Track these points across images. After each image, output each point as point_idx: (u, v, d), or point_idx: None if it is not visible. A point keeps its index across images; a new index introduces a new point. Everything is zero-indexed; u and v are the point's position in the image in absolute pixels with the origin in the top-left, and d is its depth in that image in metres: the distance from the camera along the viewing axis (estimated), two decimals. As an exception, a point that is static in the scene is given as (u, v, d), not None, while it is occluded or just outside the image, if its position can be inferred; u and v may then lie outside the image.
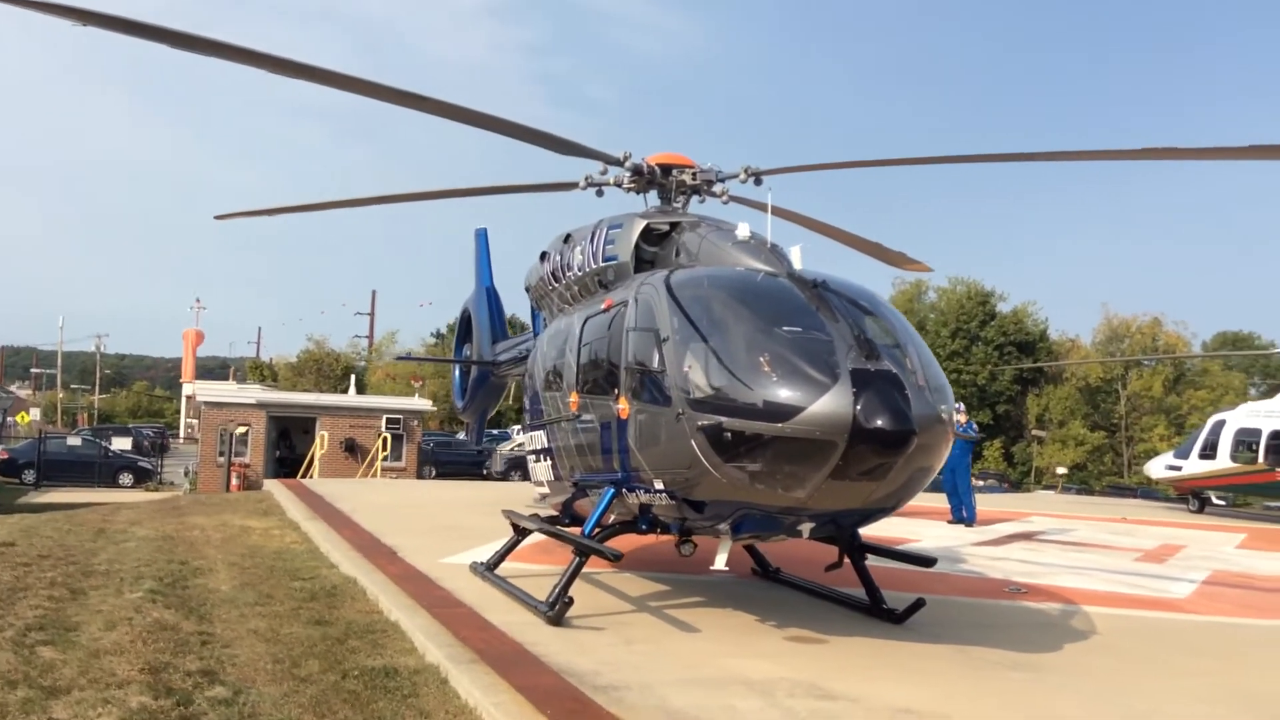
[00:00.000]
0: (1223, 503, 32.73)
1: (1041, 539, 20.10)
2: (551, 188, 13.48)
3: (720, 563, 9.89)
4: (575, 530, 10.96)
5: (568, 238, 13.03)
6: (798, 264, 10.12)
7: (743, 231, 10.62)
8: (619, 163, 12.13)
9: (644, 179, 12.34)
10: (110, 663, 8.26)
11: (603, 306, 11.06)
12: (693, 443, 8.87)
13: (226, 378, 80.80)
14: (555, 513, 12.99)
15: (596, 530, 10.48)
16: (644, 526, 10.58)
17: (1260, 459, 26.94)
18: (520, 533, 12.63)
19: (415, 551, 14.05)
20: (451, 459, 47.62)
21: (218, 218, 15.56)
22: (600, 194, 13.02)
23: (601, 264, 11.92)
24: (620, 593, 11.77)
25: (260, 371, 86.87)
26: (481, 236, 21.36)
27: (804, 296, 9.33)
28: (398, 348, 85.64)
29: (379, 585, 11.64)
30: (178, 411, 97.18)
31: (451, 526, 17.47)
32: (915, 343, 9.32)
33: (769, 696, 7.89)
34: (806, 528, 9.53)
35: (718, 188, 12.67)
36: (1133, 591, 13.94)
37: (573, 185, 13.08)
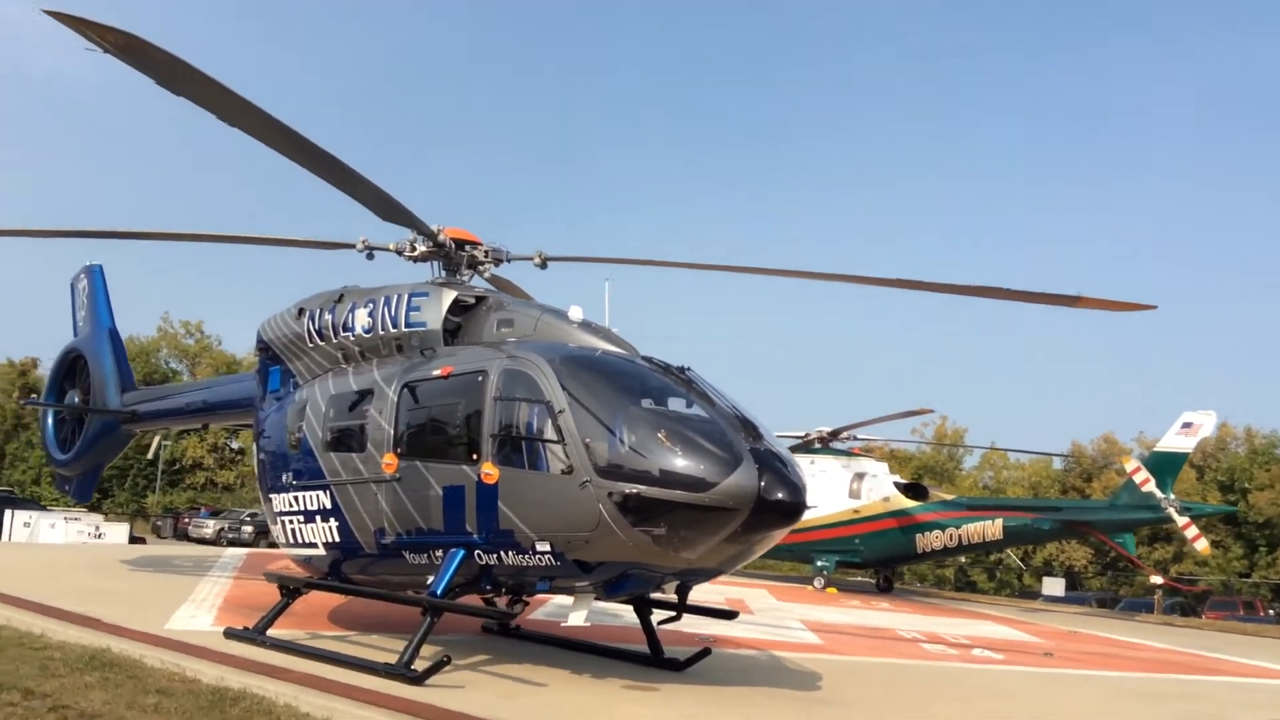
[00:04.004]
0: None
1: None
2: (325, 245, 13.37)
3: (579, 619, 10.66)
4: (418, 592, 11.09)
5: (340, 297, 12.96)
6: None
7: (576, 314, 11.65)
8: (433, 234, 12.51)
9: (441, 251, 12.80)
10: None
11: (438, 373, 11.35)
12: (600, 507, 9.70)
13: None
14: (312, 575, 12.78)
15: (446, 592, 10.72)
16: (487, 586, 11.06)
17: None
18: (290, 593, 12.30)
19: (126, 620, 12.79)
20: None
21: None
22: (371, 258, 13.27)
23: (405, 329, 12.14)
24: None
25: None
26: (97, 274, 19.50)
27: (675, 380, 10.63)
28: None
29: (157, 655, 10.68)
30: None
31: (93, 590, 15.81)
32: (763, 422, 10.93)
33: (699, 736, 8.94)
34: (671, 585, 10.73)
35: (487, 267, 13.39)
36: (783, 638, 16.51)
37: (349, 246, 13.17)
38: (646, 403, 10.29)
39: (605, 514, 9.70)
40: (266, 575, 12.65)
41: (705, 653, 12.29)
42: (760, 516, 9.63)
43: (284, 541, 13.07)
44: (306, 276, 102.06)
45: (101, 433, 18.34)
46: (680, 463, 9.63)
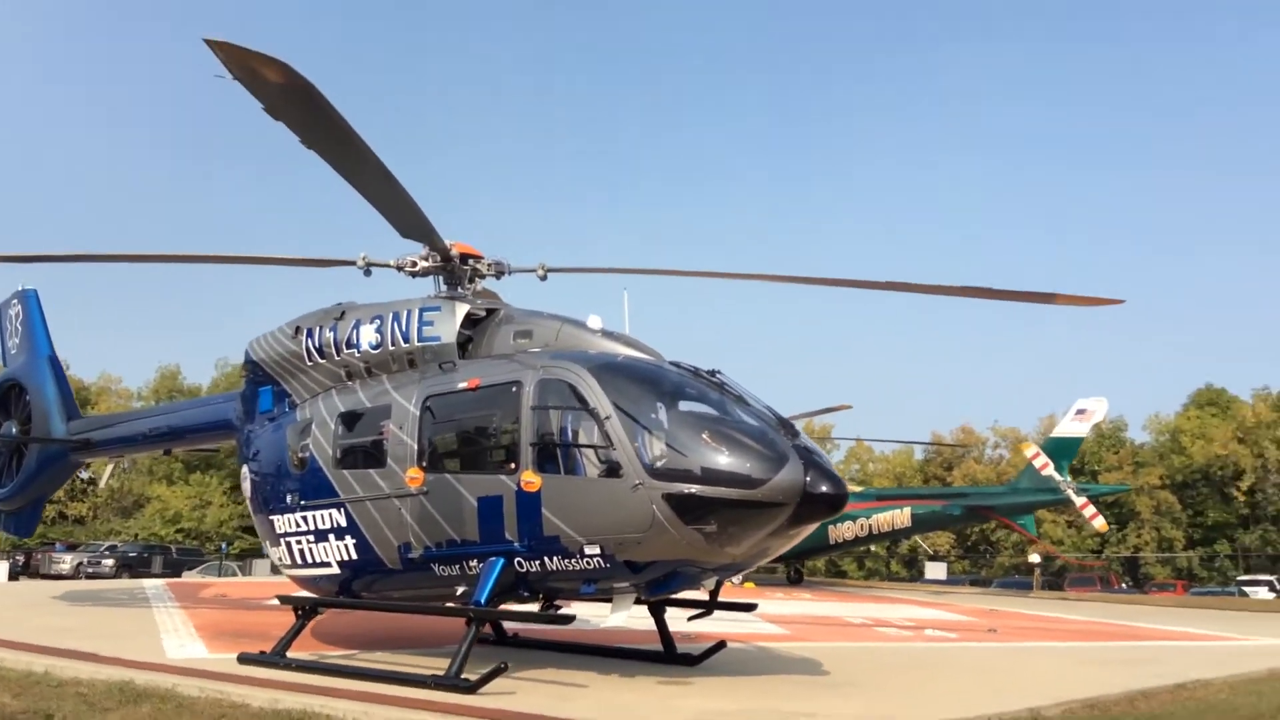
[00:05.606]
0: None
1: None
2: (323, 263, 13.29)
3: (619, 620, 10.98)
4: (465, 604, 11.16)
5: (342, 314, 12.89)
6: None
7: (596, 323, 11.96)
8: (445, 250, 12.57)
9: (446, 266, 12.87)
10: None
11: (465, 385, 11.48)
12: (654, 508, 10.06)
13: None
14: (322, 595, 12.68)
15: (489, 600, 10.87)
16: (524, 593, 11.25)
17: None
18: (307, 614, 12.23)
19: (121, 652, 12.42)
20: None
21: None
22: (368, 274, 13.27)
23: (418, 344, 12.18)
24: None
25: None
26: (31, 298, 18.74)
27: (708, 383, 11.05)
28: None
29: (191, 683, 10.44)
30: None
31: (53, 628, 15.27)
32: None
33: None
34: (711, 581, 11.15)
35: (487, 281, 13.51)
36: (749, 631, 17.04)
37: (348, 263, 13.15)
38: (688, 405, 10.72)
39: (659, 514, 10.05)
40: (280, 599, 12.51)
41: (720, 646, 12.74)
42: (805, 509, 10.15)
43: (289, 562, 12.87)
44: (153, 298, 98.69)
45: (45, 464, 17.63)
46: (731, 461, 10.07)
